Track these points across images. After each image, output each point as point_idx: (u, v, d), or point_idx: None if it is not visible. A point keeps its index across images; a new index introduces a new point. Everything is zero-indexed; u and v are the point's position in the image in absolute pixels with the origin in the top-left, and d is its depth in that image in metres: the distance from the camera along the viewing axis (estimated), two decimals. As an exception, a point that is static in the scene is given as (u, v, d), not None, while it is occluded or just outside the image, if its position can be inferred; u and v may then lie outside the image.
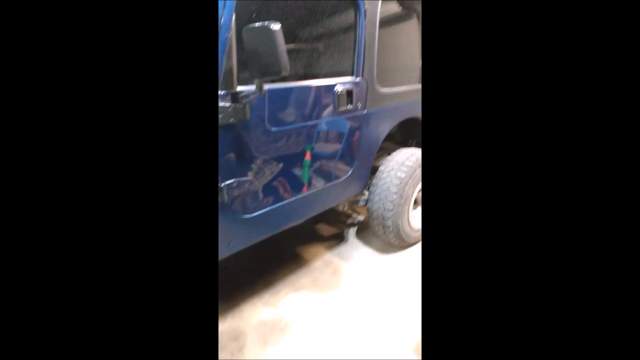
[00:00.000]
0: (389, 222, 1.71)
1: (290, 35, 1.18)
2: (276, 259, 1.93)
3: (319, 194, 1.48)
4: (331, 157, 1.48)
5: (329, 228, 2.28)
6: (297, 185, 1.38)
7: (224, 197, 1.09)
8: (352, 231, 2.22)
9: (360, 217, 2.35)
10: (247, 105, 1.02)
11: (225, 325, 1.46)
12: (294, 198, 1.37)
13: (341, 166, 1.55)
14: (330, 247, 2.03)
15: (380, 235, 1.84)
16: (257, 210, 1.24)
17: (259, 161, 1.18)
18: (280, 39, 0.89)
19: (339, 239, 2.13)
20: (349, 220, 2.37)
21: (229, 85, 1.01)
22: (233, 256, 1.28)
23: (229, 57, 0.97)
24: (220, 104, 0.99)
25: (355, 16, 1.38)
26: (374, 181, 1.76)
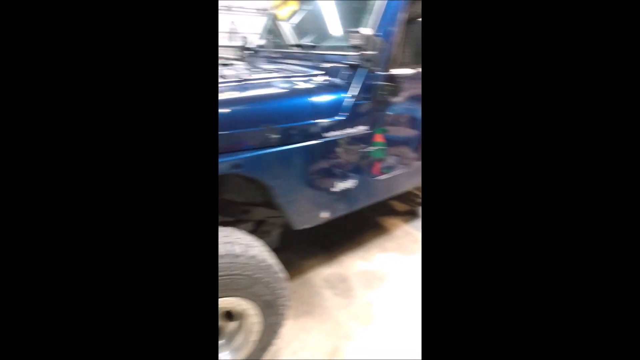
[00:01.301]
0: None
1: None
2: (363, 226, 2.19)
3: (420, 168, 1.73)
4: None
5: (402, 205, 2.52)
6: (409, 158, 1.62)
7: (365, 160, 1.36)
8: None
9: (429, 198, 2.57)
10: (399, 85, 1.27)
11: (331, 270, 1.74)
12: (406, 170, 1.62)
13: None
14: (406, 221, 2.27)
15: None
16: (384, 174, 1.50)
17: (391, 134, 1.43)
18: None
19: (411, 214, 2.37)
20: (418, 199, 2.59)
21: (386, 68, 1.25)
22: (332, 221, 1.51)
23: (394, 46, 1.21)
24: (379, 82, 1.24)
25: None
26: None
